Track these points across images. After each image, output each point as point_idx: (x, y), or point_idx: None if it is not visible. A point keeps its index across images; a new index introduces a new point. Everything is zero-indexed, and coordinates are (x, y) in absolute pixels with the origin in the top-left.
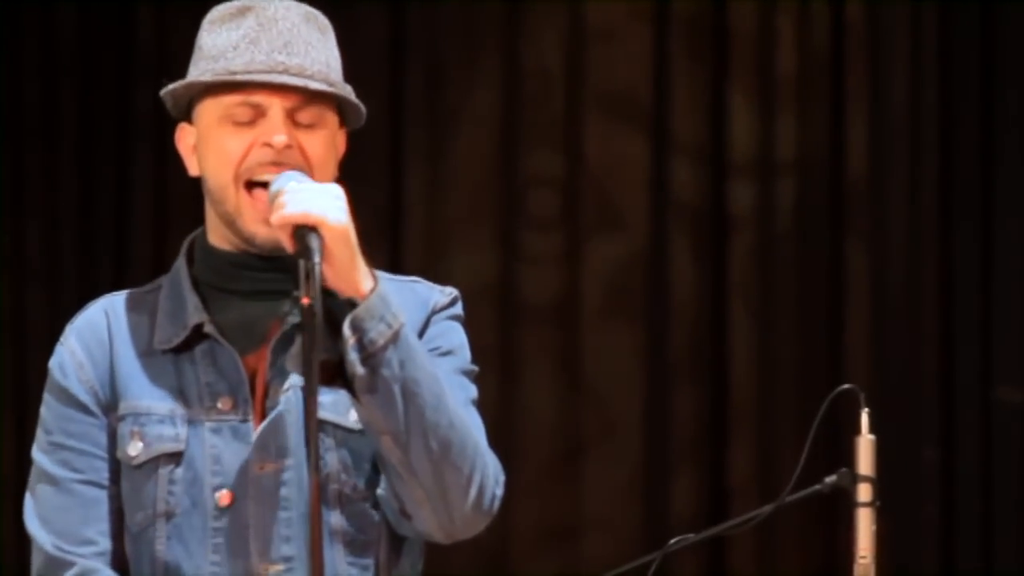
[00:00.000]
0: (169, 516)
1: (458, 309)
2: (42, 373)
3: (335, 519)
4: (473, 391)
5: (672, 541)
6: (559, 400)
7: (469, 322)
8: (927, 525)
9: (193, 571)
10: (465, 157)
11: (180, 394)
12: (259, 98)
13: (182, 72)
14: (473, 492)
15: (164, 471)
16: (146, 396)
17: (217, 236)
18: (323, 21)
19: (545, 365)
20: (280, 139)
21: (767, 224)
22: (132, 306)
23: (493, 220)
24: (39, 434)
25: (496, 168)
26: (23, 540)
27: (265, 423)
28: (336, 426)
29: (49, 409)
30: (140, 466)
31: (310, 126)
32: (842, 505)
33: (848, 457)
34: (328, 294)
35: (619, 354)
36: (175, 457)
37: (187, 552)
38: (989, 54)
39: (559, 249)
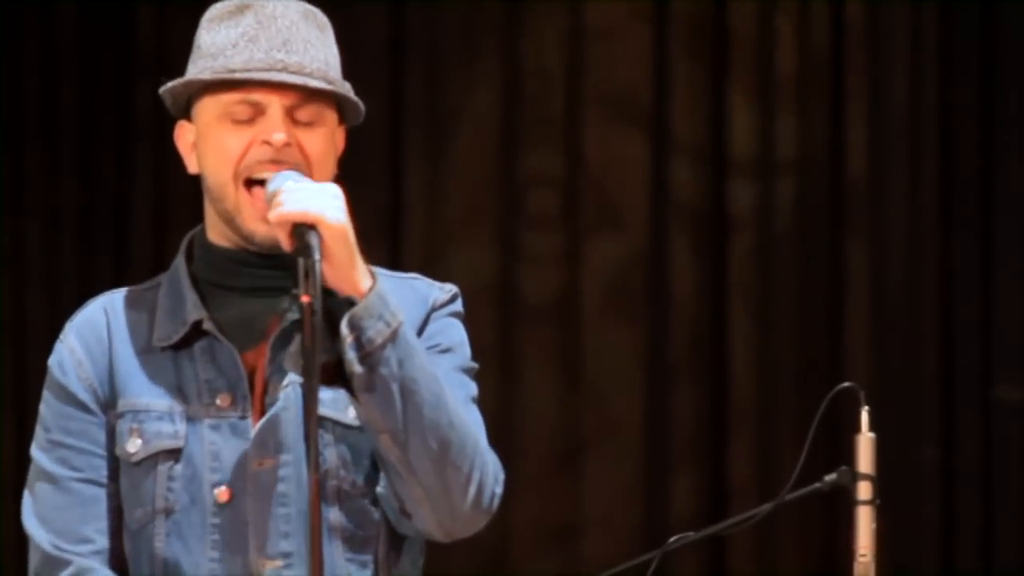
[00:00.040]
0: (168, 513)
1: (458, 306)
2: (42, 373)
3: (334, 515)
4: (473, 389)
5: (672, 539)
6: (559, 400)
7: (469, 321)
8: (927, 524)
9: (192, 567)
10: (465, 157)
11: (179, 391)
12: (258, 96)
13: (182, 71)
14: (473, 491)
15: (163, 468)
16: (145, 393)
17: (216, 233)
18: (322, 19)
19: (545, 365)
20: (279, 137)
21: (767, 224)
22: (131, 304)
23: (493, 220)
24: (38, 432)
25: (496, 168)
26: (23, 540)
27: (264, 420)
28: (335, 422)
29: (48, 407)
30: (139, 463)
31: (309, 124)
32: (842, 504)
33: (848, 456)
34: (327, 293)
35: (619, 354)
36: (174, 454)
37: (186, 549)
38: (989, 54)
39: (559, 249)
